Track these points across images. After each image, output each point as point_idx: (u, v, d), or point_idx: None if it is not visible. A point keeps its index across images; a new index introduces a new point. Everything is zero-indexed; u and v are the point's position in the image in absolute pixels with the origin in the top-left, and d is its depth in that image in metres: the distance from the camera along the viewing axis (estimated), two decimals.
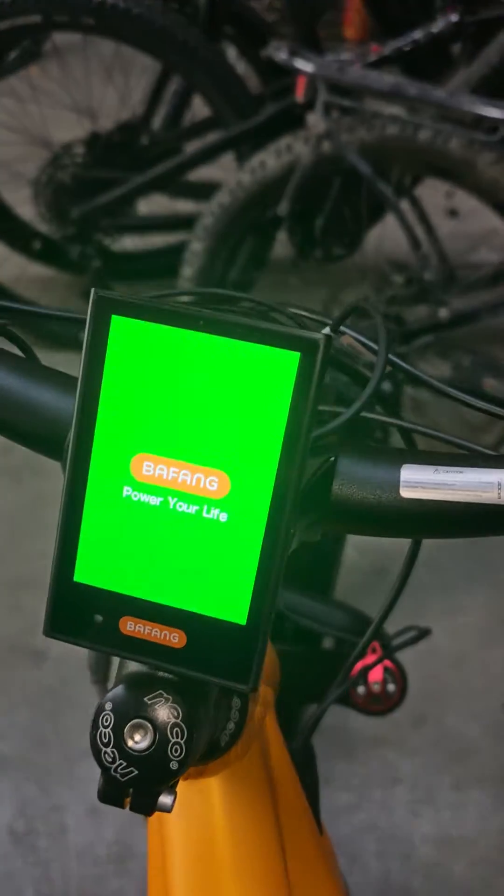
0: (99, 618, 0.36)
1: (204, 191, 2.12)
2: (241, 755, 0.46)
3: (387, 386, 1.35)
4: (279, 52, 1.52)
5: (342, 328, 0.42)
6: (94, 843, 1.32)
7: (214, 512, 0.34)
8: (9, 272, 2.33)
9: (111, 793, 0.37)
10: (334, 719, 0.58)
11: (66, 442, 0.38)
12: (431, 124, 1.50)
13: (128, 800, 0.37)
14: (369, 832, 1.33)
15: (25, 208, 2.24)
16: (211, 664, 0.35)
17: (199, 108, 2.13)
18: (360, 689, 0.67)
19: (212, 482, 0.34)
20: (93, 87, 2.17)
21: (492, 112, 1.44)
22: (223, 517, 0.34)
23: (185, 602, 0.35)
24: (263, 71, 2.11)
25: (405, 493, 0.36)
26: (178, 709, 0.36)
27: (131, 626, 0.35)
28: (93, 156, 2.07)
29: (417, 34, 1.69)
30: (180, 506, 0.34)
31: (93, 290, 0.34)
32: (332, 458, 0.36)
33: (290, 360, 0.32)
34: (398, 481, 0.36)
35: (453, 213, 1.90)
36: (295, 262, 1.97)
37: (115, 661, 0.63)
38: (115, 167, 2.07)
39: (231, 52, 2.11)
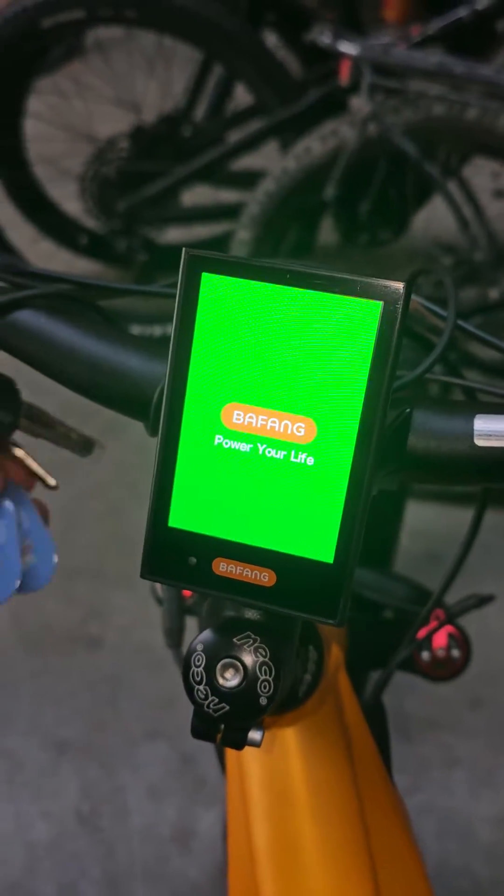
0: (193, 560, 0.37)
1: (247, 179, 2.13)
2: (316, 707, 0.48)
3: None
4: (323, 37, 1.52)
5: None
6: (156, 823, 1.34)
7: (302, 456, 0.36)
8: (56, 268, 2.37)
9: (203, 728, 0.39)
10: (389, 700, 0.59)
11: (153, 400, 0.40)
12: (478, 102, 1.48)
13: (219, 735, 0.39)
14: (428, 813, 1.33)
15: (71, 204, 2.27)
16: (300, 601, 0.36)
17: (239, 98, 2.14)
18: (425, 655, 0.68)
19: (299, 428, 0.35)
20: (135, 81, 2.18)
21: None
22: (310, 461, 0.35)
23: (274, 543, 0.36)
24: (305, 56, 2.10)
25: (479, 441, 0.37)
26: (266, 648, 0.38)
27: (224, 566, 0.37)
28: (137, 149, 2.09)
29: (462, 11, 1.67)
30: (269, 451, 0.36)
31: (184, 249, 0.36)
32: (408, 410, 0.38)
33: (372, 310, 0.34)
34: (472, 431, 0.37)
35: (501, 193, 1.87)
36: (341, 247, 1.96)
37: (189, 625, 0.65)
38: (159, 159, 2.09)
39: (271, 39, 2.11)
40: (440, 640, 0.68)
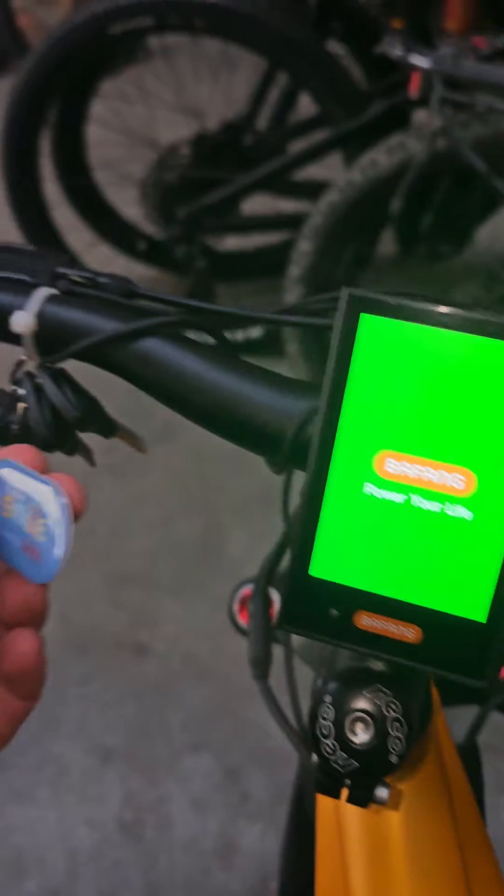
0: (334, 612, 0.36)
1: (309, 190, 2.12)
2: (421, 755, 0.46)
3: None
4: (394, 48, 1.50)
5: None
6: (199, 835, 1.34)
7: (459, 510, 0.34)
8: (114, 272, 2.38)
9: (329, 784, 0.38)
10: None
11: (287, 437, 0.39)
12: None
13: (344, 791, 0.38)
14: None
15: (130, 209, 2.29)
16: (446, 660, 0.35)
17: (303, 108, 2.13)
18: None
19: (458, 480, 0.34)
20: (199, 87, 2.19)
21: None
22: (468, 515, 0.34)
23: (422, 598, 0.35)
24: (370, 67, 2.09)
25: None
26: (397, 703, 0.37)
27: (366, 620, 0.36)
28: (199, 156, 2.09)
29: None
30: (423, 503, 0.35)
31: (343, 289, 0.35)
32: None
33: None
34: None
35: None
36: (399, 260, 1.94)
37: (277, 656, 0.64)
38: (220, 167, 2.09)
39: (336, 49, 2.10)
40: None
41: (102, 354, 0.43)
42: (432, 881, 0.44)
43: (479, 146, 1.51)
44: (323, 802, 0.49)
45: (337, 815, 0.47)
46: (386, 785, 0.38)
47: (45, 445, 0.44)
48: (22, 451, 0.35)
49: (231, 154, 2.09)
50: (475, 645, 0.34)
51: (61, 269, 0.45)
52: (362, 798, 0.38)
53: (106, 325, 0.42)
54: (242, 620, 0.73)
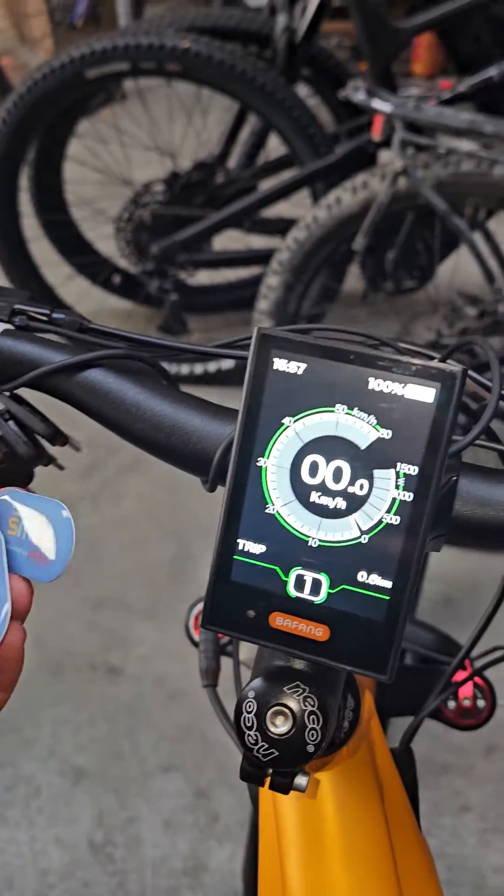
0: (251, 613, 0.40)
1: (278, 227, 2.20)
2: (352, 753, 0.50)
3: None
4: (357, 93, 1.58)
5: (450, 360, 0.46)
6: (170, 855, 1.35)
7: (360, 521, 0.39)
8: (89, 306, 2.44)
9: (252, 772, 0.42)
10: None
11: (214, 459, 0.43)
12: None
13: (267, 779, 0.42)
14: (438, 860, 1.33)
15: (105, 243, 2.34)
16: (352, 656, 0.39)
17: (272, 148, 2.21)
18: (451, 705, 0.70)
19: (361, 493, 0.39)
20: (172, 128, 2.26)
21: None
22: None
23: (329, 600, 0.39)
24: (337, 110, 2.18)
25: None
26: (314, 698, 0.41)
27: (280, 620, 0.40)
28: (172, 194, 2.16)
29: (492, 71, 1.73)
30: (330, 516, 0.39)
31: (256, 329, 0.39)
32: (455, 478, 0.40)
33: (430, 391, 0.37)
34: None
35: None
36: (366, 294, 2.01)
37: (225, 666, 0.67)
38: (192, 205, 2.16)
39: (303, 91, 2.19)
40: (466, 690, 0.70)
41: (52, 383, 0.47)
42: (363, 866, 0.48)
43: (440, 186, 1.58)
44: (264, 796, 0.53)
45: (275, 808, 0.51)
46: (305, 773, 0.42)
47: (28, 460, 0.48)
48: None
49: (203, 192, 2.16)
50: (377, 642, 0.38)
51: (19, 307, 0.50)
52: (283, 785, 0.42)
53: (55, 357, 0.47)
54: (196, 634, 0.77)
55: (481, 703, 0.71)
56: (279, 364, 0.39)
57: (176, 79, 1.91)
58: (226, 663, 0.72)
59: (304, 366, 0.39)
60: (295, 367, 0.39)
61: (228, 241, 2.33)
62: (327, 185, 1.89)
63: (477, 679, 0.71)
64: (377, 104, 1.56)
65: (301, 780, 0.42)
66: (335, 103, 2.17)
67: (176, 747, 1.48)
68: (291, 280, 1.76)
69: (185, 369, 2.21)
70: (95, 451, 2.08)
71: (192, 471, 0.45)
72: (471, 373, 0.43)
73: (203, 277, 2.41)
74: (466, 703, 0.71)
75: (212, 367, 2.20)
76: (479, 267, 1.66)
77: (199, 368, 2.21)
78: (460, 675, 0.67)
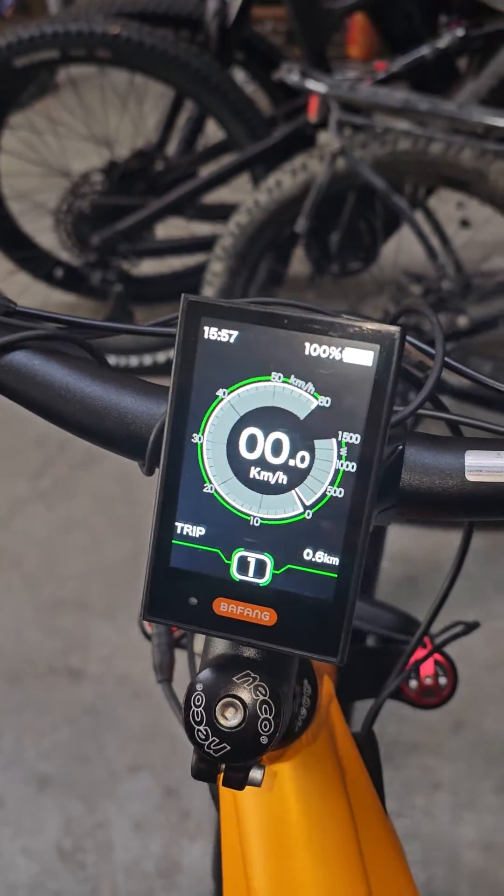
0: (193, 600, 0.38)
1: (220, 213, 2.17)
2: (311, 741, 0.48)
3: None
4: (291, 75, 1.56)
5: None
6: (141, 858, 1.33)
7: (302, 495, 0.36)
8: (32, 300, 2.38)
9: (205, 769, 0.39)
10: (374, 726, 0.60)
11: (149, 440, 0.41)
12: (443, 137, 1.53)
13: (220, 775, 0.39)
14: (412, 839, 1.33)
15: (46, 237, 2.29)
16: (301, 640, 0.37)
17: (211, 133, 2.18)
18: (413, 684, 0.69)
19: (301, 466, 0.36)
20: (108, 117, 2.22)
21: (501, 122, 1.47)
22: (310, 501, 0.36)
23: (274, 582, 0.37)
24: (274, 93, 2.16)
25: (470, 476, 0.38)
26: (265, 687, 0.38)
27: (224, 606, 0.38)
28: (111, 183, 2.12)
29: (425, 50, 1.72)
30: (270, 493, 0.37)
31: (183, 296, 0.37)
32: (400, 447, 0.39)
33: (368, 353, 0.35)
34: (463, 466, 0.38)
35: (465, 223, 1.93)
36: (312, 277, 2.00)
37: (180, 661, 0.65)
38: (132, 194, 2.12)
39: (240, 76, 2.16)
40: (427, 668, 0.69)
41: None
42: (329, 857, 0.46)
43: (378, 166, 1.57)
44: (224, 793, 0.51)
45: (235, 804, 0.49)
46: (260, 767, 0.40)
47: None
48: None
49: (143, 180, 2.12)
50: (327, 623, 0.36)
51: None
52: (237, 780, 0.39)
53: None
54: (150, 628, 0.75)
55: (443, 680, 0.70)
56: (210, 332, 0.37)
57: (107, 66, 1.87)
58: (181, 656, 0.70)
59: (235, 333, 0.36)
60: (226, 334, 0.36)
61: (174, 229, 2.29)
62: (267, 168, 1.86)
63: (438, 657, 0.70)
64: (311, 85, 1.54)
65: (256, 773, 0.40)
66: (272, 87, 2.14)
67: (143, 747, 1.46)
68: (236, 265, 1.74)
69: (147, 360, 2.17)
70: (46, 450, 2.04)
71: (128, 454, 0.43)
72: (414, 341, 0.41)
73: (148, 267, 2.37)
74: (428, 681, 0.70)
75: (161, 357, 2.17)
76: (421, 245, 1.66)
77: (161, 357, 2.17)
78: (420, 654, 0.65)
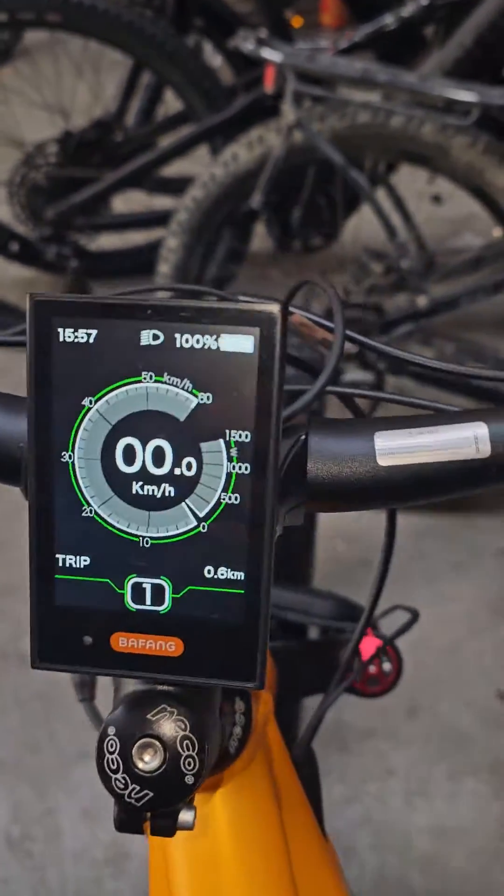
0: (88, 639, 0.34)
1: (179, 186, 2.11)
2: (246, 764, 0.44)
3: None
4: (246, 43, 1.51)
5: (291, 307, 0.39)
6: (90, 845, 1.31)
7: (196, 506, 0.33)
8: None
9: (128, 821, 0.35)
10: (328, 711, 0.57)
11: (22, 462, 0.36)
12: (403, 110, 1.48)
13: (147, 824, 0.35)
14: (365, 825, 1.33)
15: (1, 210, 2.23)
16: (213, 667, 0.33)
17: (171, 103, 2.12)
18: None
19: (188, 473, 0.33)
20: (64, 86, 2.15)
21: (463, 95, 1.43)
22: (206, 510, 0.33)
23: (175, 607, 0.33)
24: (236, 62, 2.10)
25: (382, 461, 0.34)
26: (185, 720, 0.34)
27: (123, 641, 0.34)
28: (66, 155, 2.06)
29: (388, 18, 1.67)
30: (158, 508, 0.33)
31: (29, 296, 0.32)
32: (303, 437, 0.35)
33: (248, 339, 0.31)
34: (373, 450, 0.34)
35: (437, 198, 1.88)
36: (274, 254, 1.96)
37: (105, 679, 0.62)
38: (89, 165, 2.06)
39: (207, 46, 2.10)
40: (370, 654, 0.66)
41: None
42: (262, 887, 0.43)
43: (337, 139, 1.53)
44: (153, 841, 0.47)
45: (163, 850, 0.45)
46: (190, 807, 0.35)
47: None
48: None
49: (99, 152, 2.06)
50: (239, 647, 0.33)
51: None
52: (166, 828, 0.35)
53: None
54: None
55: (387, 666, 0.68)
56: (66, 335, 0.32)
57: (58, 30, 1.80)
58: None
59: (94, 332, 0.32)
60: (84, 334, 0.32)
61: (135, 203, 2.23)
62: (226, 140, 1.81)
63: (380, 642, 0.67)
64: (267, 54, 1.48)
65: (186, 815, 0.35)
66: (233, 56, 2.08)
67: (94, 734, 1.43)
68: (192, 241, 1.69)
69: None
70: None
71: (3, 479, 0.38)
72: (311, 315, 0.37)
73: (107, 242, 2.31)
74: (371, 669, 0.67)
75: None
76: (380, 222, 1.62)
77: None
78: (365, 642, 0.63)
